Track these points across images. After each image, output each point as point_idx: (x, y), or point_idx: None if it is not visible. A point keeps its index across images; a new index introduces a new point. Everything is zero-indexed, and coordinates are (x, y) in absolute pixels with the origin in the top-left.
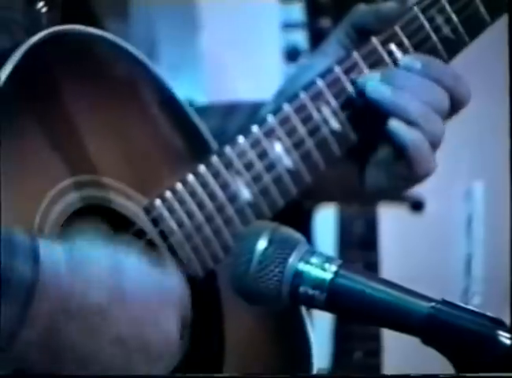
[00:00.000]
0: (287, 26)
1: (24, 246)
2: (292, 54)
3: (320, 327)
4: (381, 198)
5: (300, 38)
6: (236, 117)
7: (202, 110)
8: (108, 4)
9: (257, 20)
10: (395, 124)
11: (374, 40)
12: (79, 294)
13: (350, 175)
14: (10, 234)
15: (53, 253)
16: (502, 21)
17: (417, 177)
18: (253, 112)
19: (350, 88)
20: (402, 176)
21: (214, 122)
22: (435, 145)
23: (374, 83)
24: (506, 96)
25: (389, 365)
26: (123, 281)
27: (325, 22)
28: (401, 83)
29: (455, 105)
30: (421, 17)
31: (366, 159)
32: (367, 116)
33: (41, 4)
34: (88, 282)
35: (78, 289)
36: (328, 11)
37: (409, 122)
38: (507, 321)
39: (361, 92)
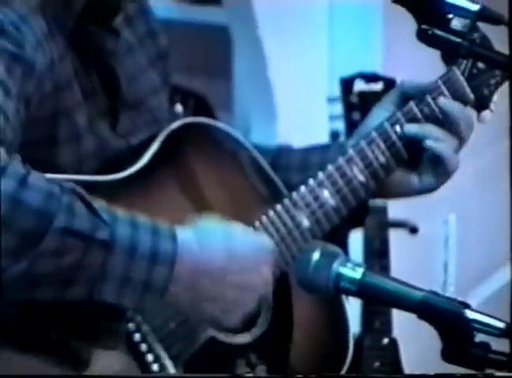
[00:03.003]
0: (332, 117)
1: (165, 230)
2: (334, 136)
3: (354, 307)
4: (429, 192)
5: (340, 125)
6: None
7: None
8: (217, 100)
9: (312, 114)
10: (429, 142)
11: (411, 103)
12: (207, 259)
13: (406, 180)
14: (156, 223)
15: (185, 234)
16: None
17: (449, 172)
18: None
19: (374, 156)
20: (441, 173)
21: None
22: (456, 149)
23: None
24: (475, 146)
25: (396, 331)
26: (234, 246)
27: (356, 115)
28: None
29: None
30: (416, 110)
31: (417, 169)
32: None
33: (179, 106)
34: (211, 250)
35: (205, 256)
36: (358, 108)
37: (437, 139)
38: (472, 303)
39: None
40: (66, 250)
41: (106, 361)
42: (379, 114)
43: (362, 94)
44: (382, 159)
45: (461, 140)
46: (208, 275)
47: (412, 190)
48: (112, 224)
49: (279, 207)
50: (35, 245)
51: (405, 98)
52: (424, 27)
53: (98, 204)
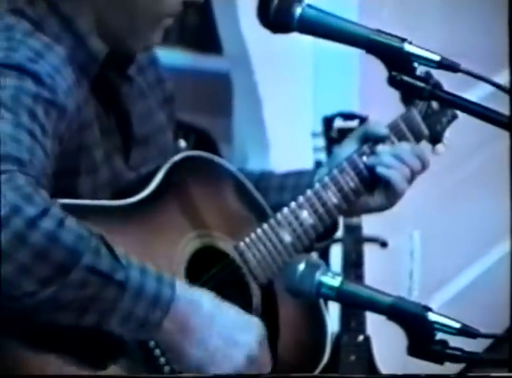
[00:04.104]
0: (316, 149)
1: (167, 280)
2: (318, 165)
3: (333, 309)
4: (381, 210)
5: (322, 156)
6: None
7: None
8: (220, 135)
9: (299, 147)
10: (380, 169)
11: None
12: (198, 307)
13: (363, 200)
14: (161, 273)
15: (183, 286)
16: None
17: (397, 194)
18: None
19: (344, 182)
20: (391, 195)
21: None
22: (407, 179)
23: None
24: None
25: (370, 329)
26: (225, 306)
27: (335, 147)
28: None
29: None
30: (392, 137)
31: (373, 191)
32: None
33: (182, 141)
34: (204, 301)
35: (197, 305)
36: (337, 142)
37: (388, 166)
38: (433, 306)
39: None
40: (88, 284)
41: (123, 364)
42: (346, 148)
43: (341, 130)
44: (352, 184)
45: (414, 174)
46: (197, 318)
47: (367, 208)
48: (127, 268)
49: (265, 226)
50: (63, 276)
51: (367, 136)
52: (393, 73)
53: (119, 250)
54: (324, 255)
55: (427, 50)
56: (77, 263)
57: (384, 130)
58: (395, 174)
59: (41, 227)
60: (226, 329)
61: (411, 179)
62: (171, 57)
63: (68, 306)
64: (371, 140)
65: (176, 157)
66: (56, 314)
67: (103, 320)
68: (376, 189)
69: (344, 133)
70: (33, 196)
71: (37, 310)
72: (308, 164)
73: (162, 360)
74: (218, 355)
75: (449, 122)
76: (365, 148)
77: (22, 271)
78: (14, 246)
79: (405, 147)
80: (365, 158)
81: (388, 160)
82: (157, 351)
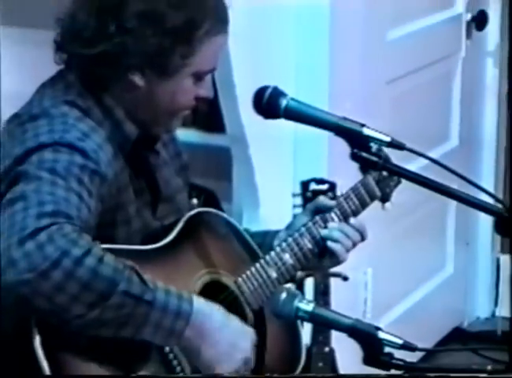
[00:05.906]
0: (294, 206)
1: (186, 297)
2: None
3: (306, 327)
4: (325, 269)
5: (300, 211)
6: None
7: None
8: (222, 195)
9: (282, 205)
10: (329, 243)
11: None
12: (210, 317)
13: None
14: (181, 292)
15: (199, 301)
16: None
17: (340, 262)
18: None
19: (316, 233)
20: (334, 261)
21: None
22: (349, 250)
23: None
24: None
25: (334, 343)
26: (230, 316)
27: (310, 205)
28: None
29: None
30: (345, 204)
31: (322, 258)
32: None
33: (194, 200)
34: (215, 312)
35: (210, 315)
36: (310, 200)
37: (336, 241)
38: (382, 326)
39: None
40: (124, 305)
41: (148, 371)
42: (302, 218)
43: (314, 191)
44: (323, 232)
45: (354, 244)
46: (210, 327)
47: (313, 267)
48: (154, 290)
49: (257, 265)
50: (105, 301)
51: (317, 209)
52: (355, 150)
53: (146, 276)
54: (300, 286)
55: (380, 132)
56: (115, 290)
57: (330, 203)
58: (340, 248)
59: (85, 264)
60: (231, 336)
61: (352, 247)
62: (186, 135)
63: (110, 323)
64: (321, 211)
65: (191, 212)
66: (100, 330)
67: (137, 331)
68: (324, 256)
69: (317, 193)
70: (78, 240)
71: (85, 328)
72: (288, 217)
73: (178, 368)
74: (224, 356)
75: (395, 186)
76: (318, 218)
77: (73, 299)
78: (65, 280)
79: (352, 223)
80: (317, 226)
81: (337, 235)
82: (175, 362)
